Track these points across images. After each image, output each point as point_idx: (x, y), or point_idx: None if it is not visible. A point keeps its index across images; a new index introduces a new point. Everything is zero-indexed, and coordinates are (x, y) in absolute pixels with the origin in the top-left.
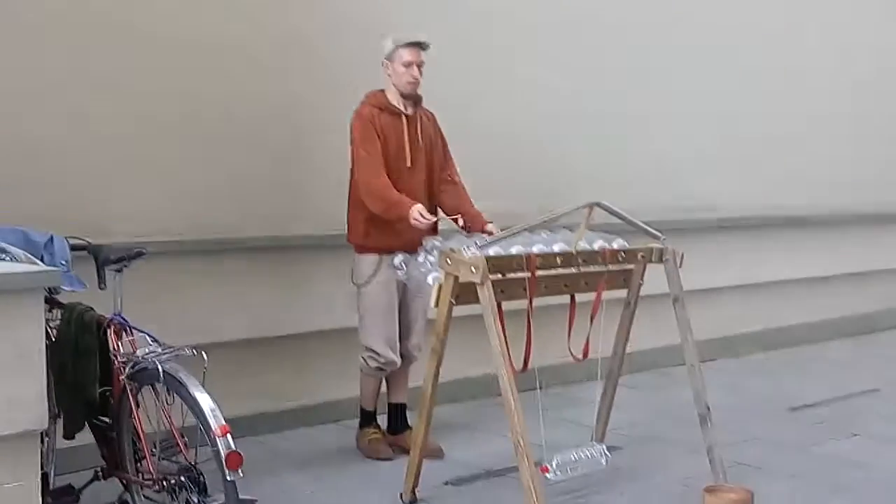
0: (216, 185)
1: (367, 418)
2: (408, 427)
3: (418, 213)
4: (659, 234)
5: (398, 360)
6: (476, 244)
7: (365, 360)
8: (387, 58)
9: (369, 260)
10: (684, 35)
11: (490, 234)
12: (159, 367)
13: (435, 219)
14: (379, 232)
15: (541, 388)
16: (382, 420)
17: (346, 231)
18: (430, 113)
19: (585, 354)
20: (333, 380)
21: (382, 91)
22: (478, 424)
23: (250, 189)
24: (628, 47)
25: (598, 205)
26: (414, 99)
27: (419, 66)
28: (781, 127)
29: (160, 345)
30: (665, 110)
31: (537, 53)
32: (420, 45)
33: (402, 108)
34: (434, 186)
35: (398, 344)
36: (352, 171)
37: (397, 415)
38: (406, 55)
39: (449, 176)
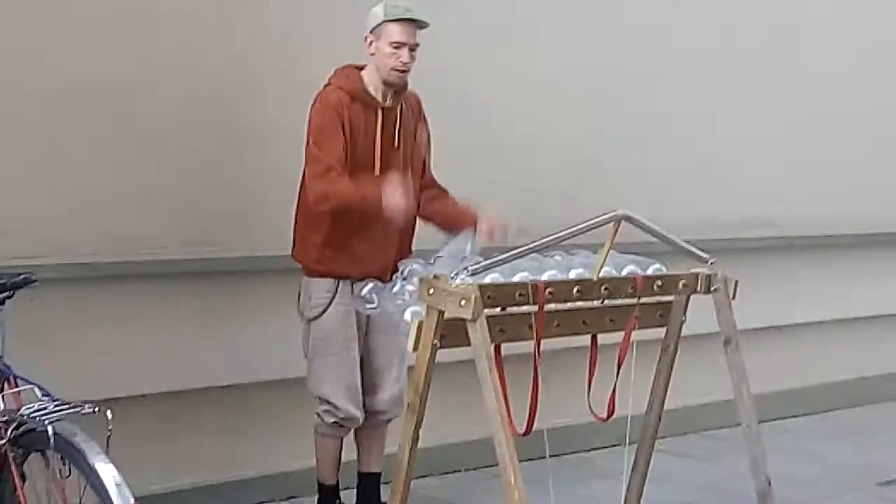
0: (133, 192)
1: (328, 496)
2: None
3: (393, 191)
4: (706, 255)
5: (360, 415)
6: (467, 269)
7: (319, 415)
8: (372, 31)
9: (322, 285)
10: (738, 26)
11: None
12: (50, 428)
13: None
14: (336, 251)
15: (551, 455)
16: (349, 496)
17: (292, 247)
18: (416, 97)
19: (611, 412)
20: (285, 444)
21: (359, 70)
22: (468, 502)
23: (179, 197)
24: (664, 39)
25: (628, 218)
26: (397, 88)
27: (412, 48)
28: (867, 123)
29: (52, 400)
30: (715, 107)
31: (559, 42)
32: (417, 23)
33: (379, 97)
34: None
35: (361, 394)
36: (304, 171)
37: (369, 489)
38: (396, 33)
39: (428, 178)
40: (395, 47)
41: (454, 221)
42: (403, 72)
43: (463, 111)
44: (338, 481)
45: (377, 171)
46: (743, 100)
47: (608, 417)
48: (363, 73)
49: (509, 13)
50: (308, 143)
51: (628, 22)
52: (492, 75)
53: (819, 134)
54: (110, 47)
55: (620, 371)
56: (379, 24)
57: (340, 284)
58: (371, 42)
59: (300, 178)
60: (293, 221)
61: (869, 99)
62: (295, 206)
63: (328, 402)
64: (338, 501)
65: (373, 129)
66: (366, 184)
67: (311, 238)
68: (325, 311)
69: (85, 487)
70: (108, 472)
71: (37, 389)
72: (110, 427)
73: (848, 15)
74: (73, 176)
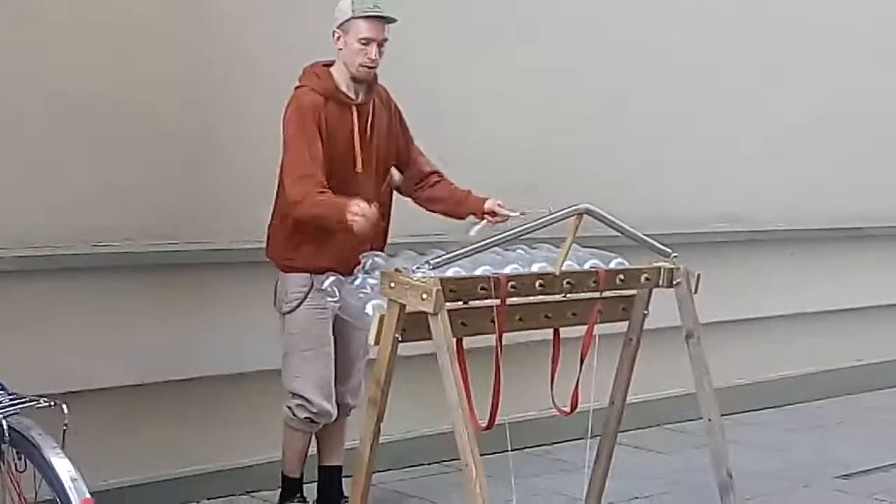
0: (93, 184)
1: (292, 488)
2: (343, 498)
3: (357, 208)
4: (668, 250)
5: (334, 411)
6: (429, 263)
7: (291, 409)
8: (339, 27)
9: (298, 280)
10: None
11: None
12: (4, 423)
13: (375, 213)
14: (313, 246)
15: (514, 449)
16: (310, 489)
17: (266, 243)
18: (384, 90)
19: (574, 406)
20: (246, 438)
21: (328, 68)
22: (430, 496)
23: (140, 189)
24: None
25: (589, 212)
26: (367, 82)
27: (380, 44)
28: (828, 120)
29: (8, 394)
30: (691, 106)
31: (532, 38)
32: (385, 20)
33: (352, 94)
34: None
35: (334, 389)
36: (281, 174)
37: (330, 482)
38: (364, 30)
39: (420, 167)
40: (364, 43)
41: (461, 208)
42: (372, 67)
43: (436, 113)
44: (302, 474)
45: (359, 168)
46: (719, 98)
47: (571, 411)
48: (332, 70)
49: (509, 13)
50: (285, 145)
51: (616, 21)
52: (475, 75)
53: (791, 131)
54: (80, 46)
55: (583, 364)
56: (347, 20)
57: (316, 278)
58: (339, 37)
59: (277, 175)
60: (269, 218)
61: (855, 97)
62: (273, 203)
63: (301, 397)
64: (299, 496)
65: (349, 126)
66: (337, 206)
67: (287, 233)
68: (299, 305)
69: (40, 482)
70: (63, 467)
71: None
72: (66, 421)
73: (848, 15)
74: (32, 167)
